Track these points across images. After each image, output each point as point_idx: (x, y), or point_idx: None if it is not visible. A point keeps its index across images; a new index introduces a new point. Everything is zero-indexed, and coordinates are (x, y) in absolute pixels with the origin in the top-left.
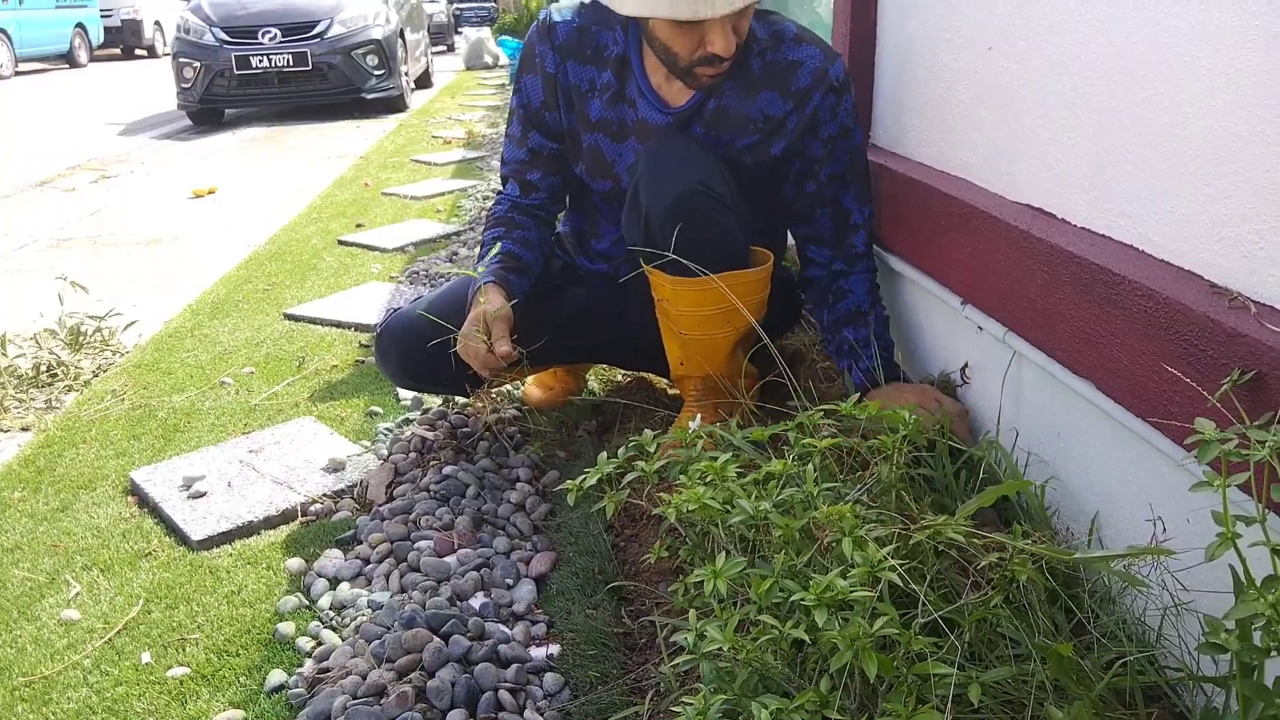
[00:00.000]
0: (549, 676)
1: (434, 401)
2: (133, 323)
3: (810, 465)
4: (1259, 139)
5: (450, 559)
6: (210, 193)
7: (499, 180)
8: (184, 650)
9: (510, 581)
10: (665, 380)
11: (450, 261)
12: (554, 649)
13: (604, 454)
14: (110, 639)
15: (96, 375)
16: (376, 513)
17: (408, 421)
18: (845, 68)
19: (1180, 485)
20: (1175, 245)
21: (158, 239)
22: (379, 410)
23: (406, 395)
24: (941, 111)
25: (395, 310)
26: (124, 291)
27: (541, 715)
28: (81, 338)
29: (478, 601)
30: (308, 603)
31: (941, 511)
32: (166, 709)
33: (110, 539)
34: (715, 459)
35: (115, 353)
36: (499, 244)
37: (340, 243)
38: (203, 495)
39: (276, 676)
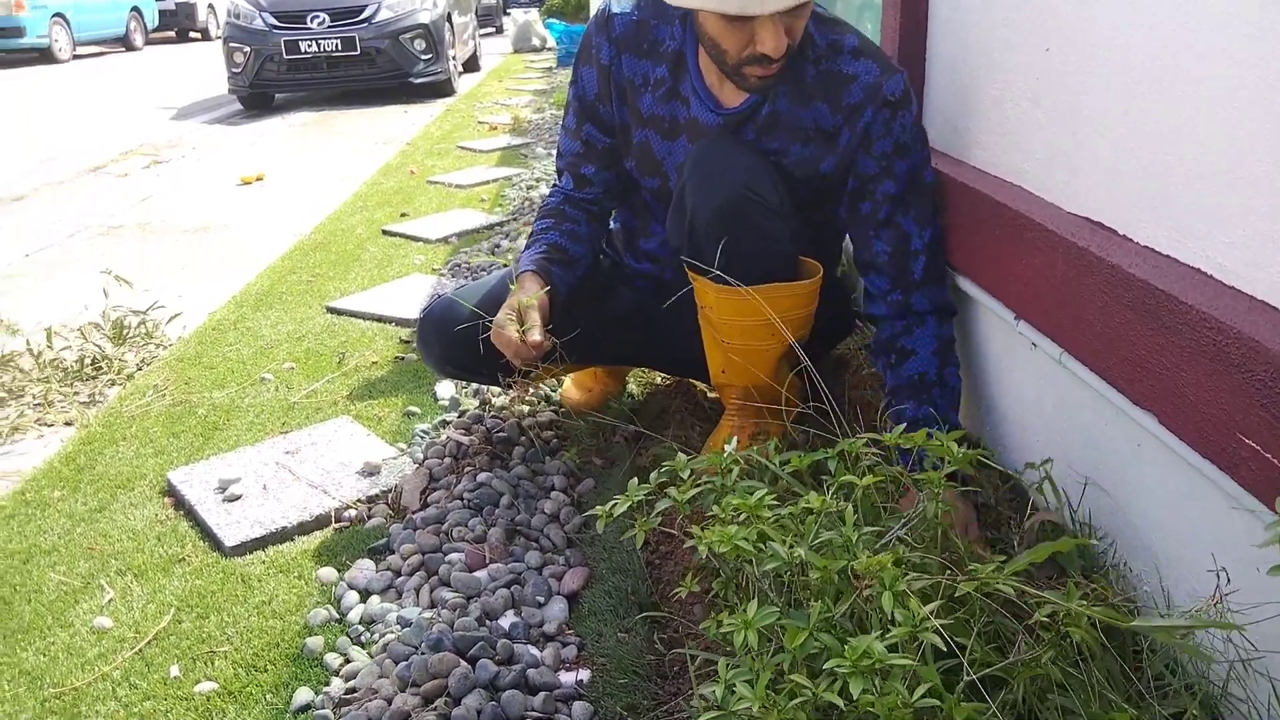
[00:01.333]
0: (577, 706)
1: (470, 404)
2: (176, 315)
3: (850, 507)
4: None
5: (481, 574)
6: (258, 179)
7: (546, 170)
8: (212, 664)
9: (541, 599)
10: (706, 385)
11: (492, 254)
12: (584, 674)
13: (634, 480)
14: (140, 649)
15: (140, 369)
16: (409, 521)
17: (444, 424)
18: (905, 83)
19: (1249, 531)
20: (1248, 272)
21: (205, 227)
22: (416, 410)
23: (444, 395)
24: (996, 113)
25: (438, 296)
26: (171, 280)
27: None
28: (125, 331)
29: (507, 621)
30: (338, 616)
31: (990, 546)
32: None
33: (145, 542)
34: (751, 492)
35: (159, 345)
36: (546, 234)
37: (384, 233)
38: (238, 499)
39: (303, 695)
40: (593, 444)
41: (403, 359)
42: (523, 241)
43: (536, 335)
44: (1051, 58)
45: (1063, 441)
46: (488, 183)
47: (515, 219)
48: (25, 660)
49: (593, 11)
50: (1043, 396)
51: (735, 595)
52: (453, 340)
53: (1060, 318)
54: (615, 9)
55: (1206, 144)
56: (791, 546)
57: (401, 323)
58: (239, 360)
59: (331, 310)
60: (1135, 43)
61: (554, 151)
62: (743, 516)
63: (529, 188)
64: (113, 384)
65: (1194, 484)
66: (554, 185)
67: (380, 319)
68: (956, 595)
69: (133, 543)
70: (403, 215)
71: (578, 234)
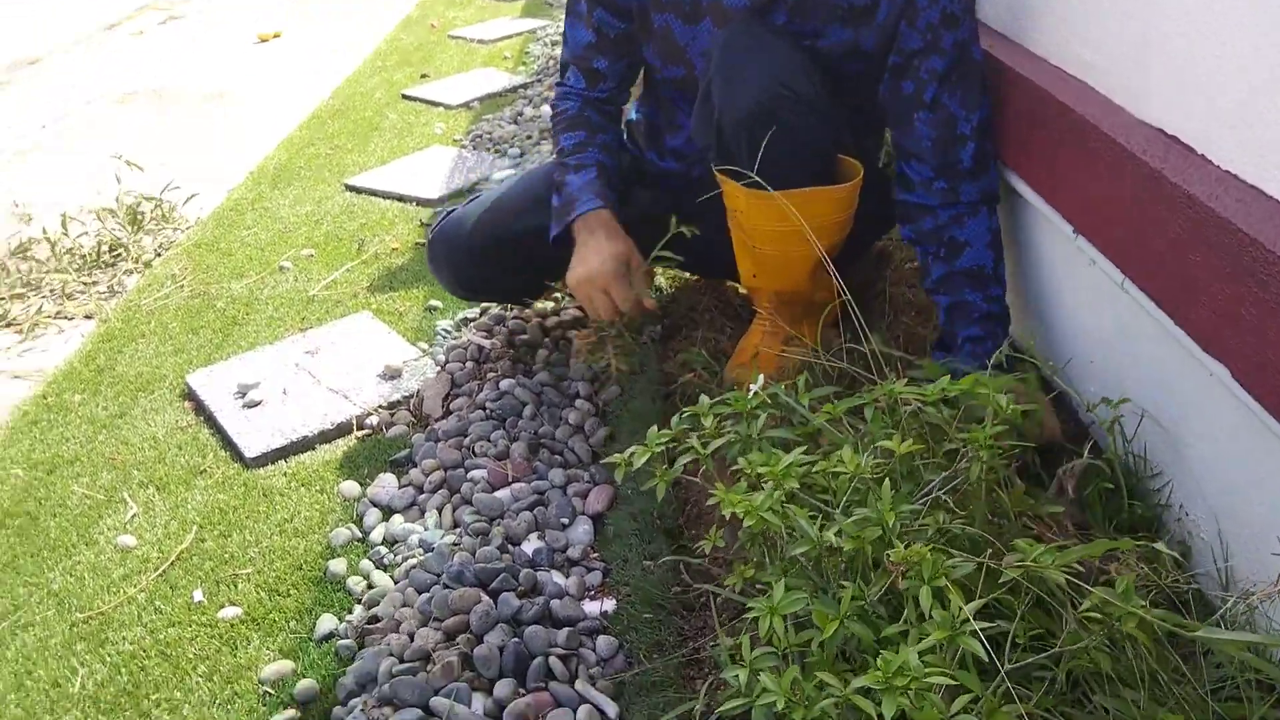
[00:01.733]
0: (602, 640)
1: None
2: (194, 195)
3: (885, 484)
4: None
5: (504, 493)
6: (275, 36)
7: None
8: (235, 588)
9: (565, 520)
10: (737, 283)
11: (515, 123)
12: (609, 605)
13: (654, 429)
14: (164, 571)
15: (159, 255)
16: (431, 432)
17: (466, 322)
18: None
19: None
20: None
21: (222, 93)
22: (438, 304)
23: None
24: None
25: (449, 213)
26: (188, 154)
27: (593, 684)
28: (141, 218)
29: (530, 547)
30: (360, 535)
31: (1037, 503)
32: (218, 655)
33: (167, 451)
34: (776, 444)
35: (176, 229)
36: (585, 151)
37: (404, 97)
38: (258, 404)
39: (326, 623)
40: (619, 344)
41: (422, 244)
42: (546, 111)
43: (650, 301)
44: None
45: (1120, 368)
46: (511, 36)
47: (540, 80)
48: (53, 581)
49: None
50: (1101, 318)
51: (763, 551)
52: (463, 267)
53: (1125, 242)
54: None
55: None
56: (822, 527)
57: (422, 202)
58: (257, 246)
59: (350, 188)
60: None
61: None
62: (769, 482)
63: (553, 43)
64: (131, 272)
65: (1269, 447)
66: (561, 84)
67: (400, 198)
68: (1000, 580)
69: (154, 452)
70: (423, 76)
71: (611, 146)
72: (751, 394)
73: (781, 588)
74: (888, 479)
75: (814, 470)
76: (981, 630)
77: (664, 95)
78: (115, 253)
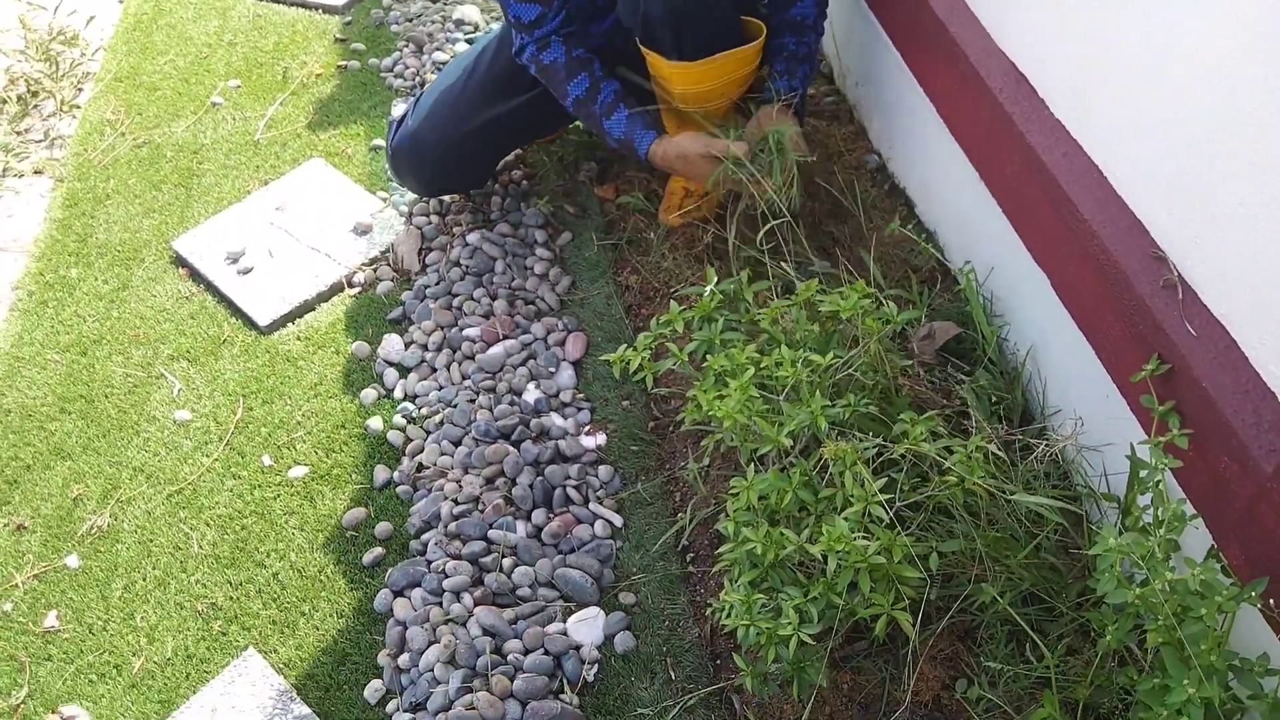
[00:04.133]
0: (602, 469)
1: None
2: (92, 18)
3: (817, 395)
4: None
5: (498, 349)
6: None
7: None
8: (295, 449)
9: (552, 369)
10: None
11: None
12: (601, 439)
13: (643, 335)
14: (228, 441)
15: (79, 91)
16: (418, 290)
17: None
18: None
19: (1096, 382)
20: (1135, 190)
21: None
22: (381, 143)
23: None
24: None
25: (400, 123)
26: None
27: (601, 503)
28: (53, 55)
29: (531, 396)
30: (385, 392)
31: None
32: (301, 509)
33: (183, 323)
34: (735, 353)
35: (84, 54)
36: (602, 90)
37: None
38: (250, 270)
39: (382, 474)
40: (559, 184)
41: (344, 67)
42: None
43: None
44: None
45: (975, 240)
46: None
47: None
48: (134, 458)
49: None
50: (961, 193)
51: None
52: (428, 171)
53: (984, 152)
54: None
55: (1121, 58)
56: (778, 427)
57: (328, 10)
58: (180, 78)
59: None
60: None
61: None
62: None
63: None
64: (56, 115)
65: (1072, 338)
66: (526, 43)
67: (304, 5)
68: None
69: (171, 324)
70: None
71: (602, 63)
72: (708, 294)
73: (752, 471)
74: (816, 391)
75: (760, 367)
76: (881, 493)
77: None
78: (34, 94)
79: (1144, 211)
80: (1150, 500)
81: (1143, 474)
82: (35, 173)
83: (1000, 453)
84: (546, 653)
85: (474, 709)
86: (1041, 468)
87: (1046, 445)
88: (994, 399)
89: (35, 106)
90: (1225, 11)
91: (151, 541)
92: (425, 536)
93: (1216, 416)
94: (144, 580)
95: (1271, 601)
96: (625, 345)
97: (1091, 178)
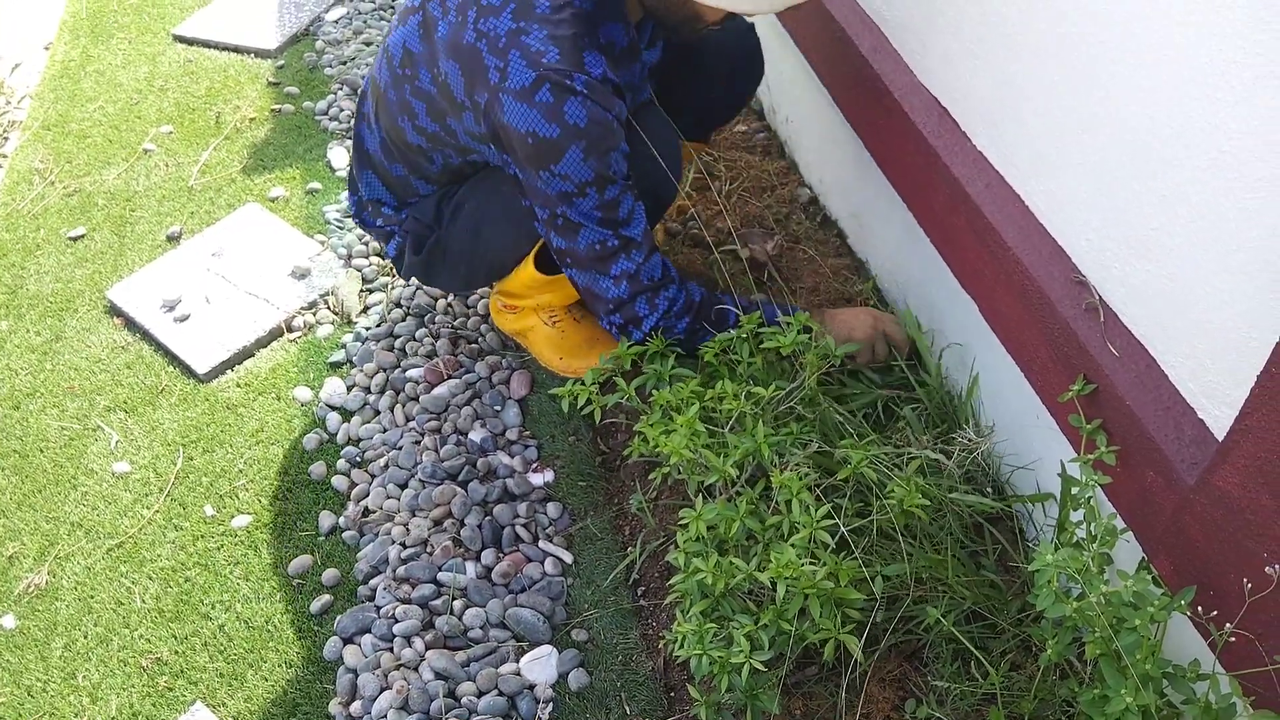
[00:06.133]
0: (551, 506)
1: None
2: (17, 65)
3: (759, 425)
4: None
5: (442, 389)
6: None
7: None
8: (238, 498)
9: (498, 407)
10: None
11: None
12: (549, 475)
13: (591, 369)
14: (169, 493)
15: (4, 138)
16: (360, 334)
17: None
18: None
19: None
20: (1055, 218)
21: None
22: (318, 186)
23: (339, 164)
24: None
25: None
26: None
27: (550, 540)
28: None
29: (478, 435)
30: (328, 436)
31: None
32: (245, 558)
33: (119, 373)
34: (681, 386)
35: (9, 102)
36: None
37: None
38: (187, 318)
39: (327, 519)
40: None
41: (278, 110)
42: None
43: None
44: None
45: (905, 268)
46: None
47: None
48: (72, 513)
49: None
50: (891, 224)
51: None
52: (460, 287)
53: (911, 185)
54: (591, 70)
55: (1040, 81)
56: (724, 458)
57: (259, 54)
58: (110, 125)
59: (180, 39)
60: None
61: None
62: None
63: None
64: None
65: (997, 356)
66: (648, 293)
67: (237, 49)
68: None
69: (107, 375)
70: None
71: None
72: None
73: (701, 502)
74: (759, 422)
75: (704, 399)
76: (826, 519)
77: None
78: None
79: (1065, 238)
80: (1083, 515)
81: (1074, 491)
82: None
83: (938, 456)
84: (501, 694)
85: None
86: (968, 465)
87: (971, 441)
88: (936, 420)
89: None
90: (1132, 45)
91: (92, 598)
92: (373, 581)
93: (1141, 433)
94: (85, 638)
95: (1199, 609)
96: (573, 381)
97: (1014, 207)
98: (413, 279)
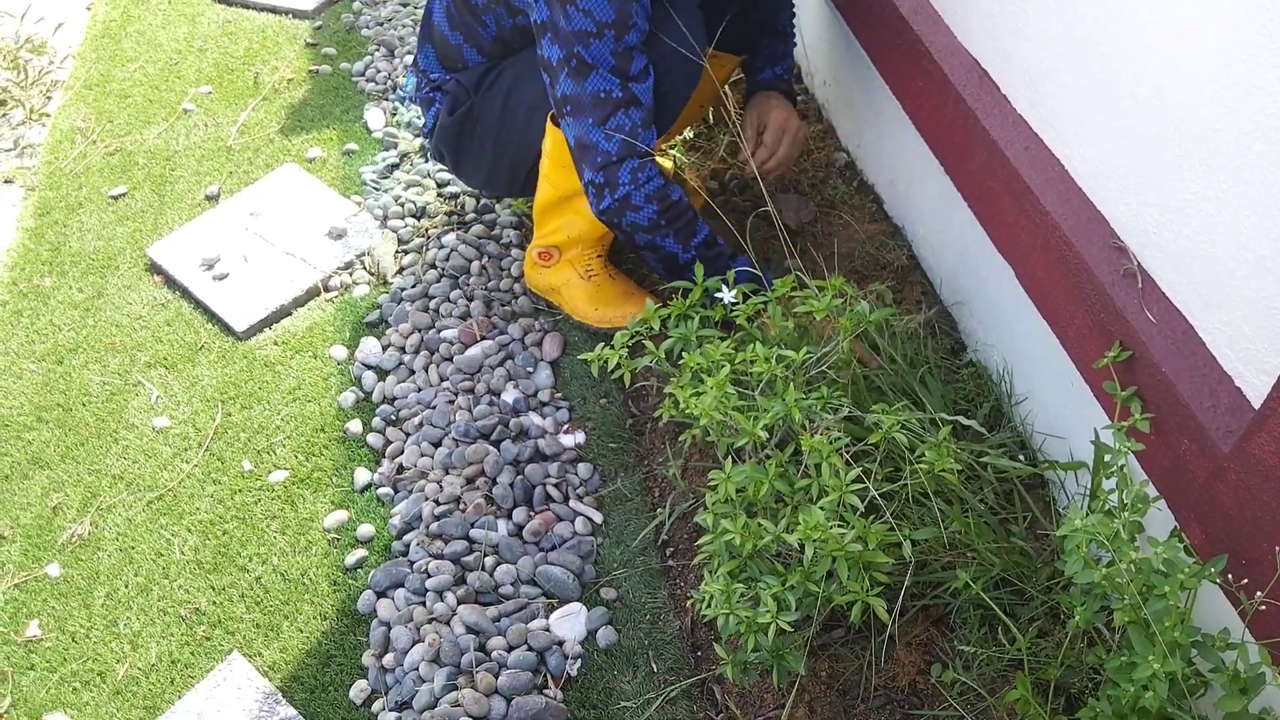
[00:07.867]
0: (581, 467)
1: (409, 144)
2: (60, 26)
3: (790, 388)
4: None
5: (475, 350)
6: None
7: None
8: (275, 454)
9: (530, 369)
10: None
11: None
12: (580, 437)
13: (620, 333)
14: (208, 447)
15: (48, 99)
16: (395, 293)
17: (392, 168)
18: None
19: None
20: (1095, 183)
21: None
22: (354, 148)
23: (375, 126)
24: None
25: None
26: None
27: (581, 500)
28: (22, 63)
29: (510, 396)
30: (363, 394)
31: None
32: (282, 512)
33: (159, 330)
34: (711, 350)
35: (52, 62)
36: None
37: None
38: (226, 276)
39: (362, 475)
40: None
41: (315, 71)
42: None
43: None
44: None
45: (941, 233)
46: None
47: None
48: (113, 466)
49: None
50: (927, 188)
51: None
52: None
53: (949, 147)
54: None
55: (1076, 44)
56: (754, 420)
57: (298, 14)
58: (150, 85)
59: (219, 0)
60: None
61: None
62: (705, 378)
63: None
64: (26, 123)
65: (1035, 323)
66: (635, 160)
67: (274, 10)
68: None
69: (147, 331)
70: None
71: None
72: (687, 306)
73: (730, 463)
74: (790, 385)
75: (735, 362)
76: (855, 482)
77: None
78: (3, 103)
79: (1104, 203)
80: (1115, 483)
81: (1107, 458)
82: (5, 182)
83: (971, 423)
84: (530, 649)
85: (459, 706)
86: (1005, 436)
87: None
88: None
89: (4, 115)
90: (1174, 7)
91: (133, 549)
92: (407, 537)
93: (1175, 400)
94: (126, 587)
95: (1230, 578)
96: (602, 344)
97: (1053, 171)
98: (439, 168)
